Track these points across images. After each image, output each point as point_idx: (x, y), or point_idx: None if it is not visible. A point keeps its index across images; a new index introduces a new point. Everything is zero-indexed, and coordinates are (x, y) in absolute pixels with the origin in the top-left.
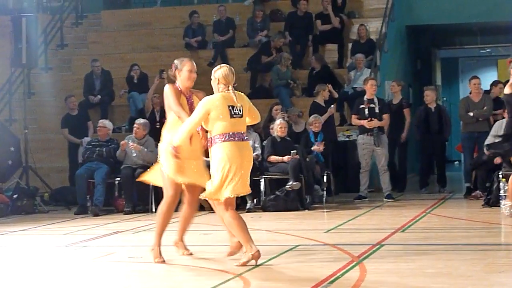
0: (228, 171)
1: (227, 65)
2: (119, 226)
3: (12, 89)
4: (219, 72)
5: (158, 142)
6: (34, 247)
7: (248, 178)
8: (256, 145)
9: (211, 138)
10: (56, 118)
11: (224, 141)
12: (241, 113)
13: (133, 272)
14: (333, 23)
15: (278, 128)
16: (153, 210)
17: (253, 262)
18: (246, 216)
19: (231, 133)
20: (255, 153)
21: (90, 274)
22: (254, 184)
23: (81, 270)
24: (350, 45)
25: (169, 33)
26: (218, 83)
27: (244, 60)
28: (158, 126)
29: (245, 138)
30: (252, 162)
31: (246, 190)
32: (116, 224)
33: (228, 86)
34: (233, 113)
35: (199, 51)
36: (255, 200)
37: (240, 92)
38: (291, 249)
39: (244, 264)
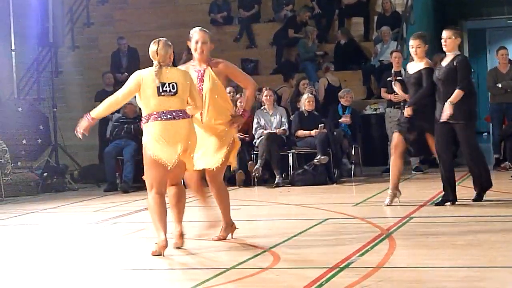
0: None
1: (162, 40)
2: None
3: (40, 68)
4: (150, 48)
5: None
6: (64, 224)
7: (189, 158)
8: (283, 120)
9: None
10: (83, 96)
11: (153, 120)
12: (174, 90)
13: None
14: None
15: (305, 102)
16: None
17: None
18: (274, 191)
19: (160, 112)
20: (282, 128)
21: (120, 251)
22: (282, 159)
23: (112, 247)
24: (375, 18)
25: (194, 9)
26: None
27: (269, 35)
28: None
29: (181, 116)
30: (196, 141)
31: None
32: (146, 200)
33: (159, 62)
34: (161, 91)
35: (225, 27)
36: (283, 175)
37: (184, 70)
38: (320, 223)
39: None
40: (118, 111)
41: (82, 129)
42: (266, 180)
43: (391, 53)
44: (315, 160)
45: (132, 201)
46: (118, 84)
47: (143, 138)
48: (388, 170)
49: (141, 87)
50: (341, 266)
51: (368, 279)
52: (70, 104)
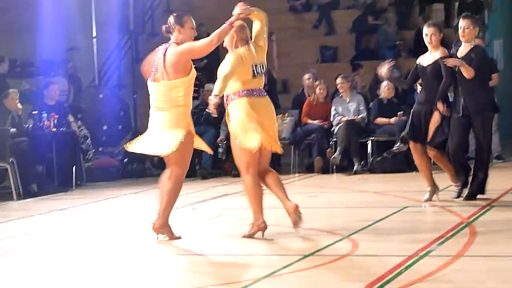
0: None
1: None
2: (227, 189)
3: (120, 55)
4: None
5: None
6: (144, 209)
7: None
8: (361, 108)
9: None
10: None
11: (246, 96)
12: (264, 70)
13: (241, 233)
14: None
15: (385, 89)
16: None
17: (259, 233)
18: (353, 178)
19: (253, 89)
20: (360, 116)
21: (200, 236)
22: (361, 146)
23: (191, 232)
24: (456, 4)
25: None
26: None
27: (349, 22)
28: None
29: (265, 94)
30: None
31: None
32: (224, 187)
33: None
34: (256, 72)
35: (304, 14)
36: (362, 162)
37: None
38: (399, 211)
39: (250, 236)
40: (197, 98)
41: (215, 107)
42: (344, 168)
43: None
44: (394, 148)
45: (210, 187)
46: (197, 70)
47: (232, 121)
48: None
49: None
50: (420, 254)
51: (447, 268)
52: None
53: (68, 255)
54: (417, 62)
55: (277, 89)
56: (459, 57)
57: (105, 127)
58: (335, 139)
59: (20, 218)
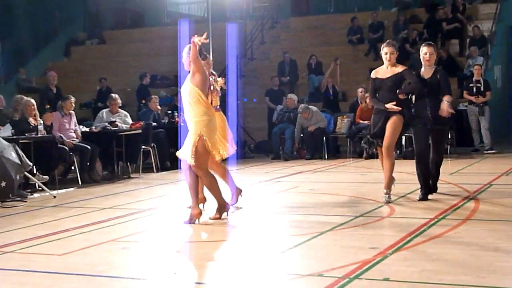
0: None
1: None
2: (301, 168)
3: (229, 73)
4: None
5: (332, 110)
6: (243, 182)
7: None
8: None
9: None
10: (258, 92)
11: None
12: None
13: (313, 200)
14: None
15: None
16: (325, 157)
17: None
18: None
19: None
20: None
21: (279, 201)
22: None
23: (273, 199)
24: (468, 40)
25: (337, 32)
26: None
27: None
28: (331, 98)
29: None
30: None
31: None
32: (300, 166)
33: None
34: None
35: (358, 45)
36: (397, 152)
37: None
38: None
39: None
40: (281, 103)
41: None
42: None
43: (474, 65)
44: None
45: (290, 166)
46: (282, 85)
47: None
48: (475, 151)
49: None
50: (439, 217)
51: (458, 228)
52: (249, 98)
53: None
54: (374, 77)
55: (338, 98)
56: (425, 78)
57: None
58: None
59: (158, 185)
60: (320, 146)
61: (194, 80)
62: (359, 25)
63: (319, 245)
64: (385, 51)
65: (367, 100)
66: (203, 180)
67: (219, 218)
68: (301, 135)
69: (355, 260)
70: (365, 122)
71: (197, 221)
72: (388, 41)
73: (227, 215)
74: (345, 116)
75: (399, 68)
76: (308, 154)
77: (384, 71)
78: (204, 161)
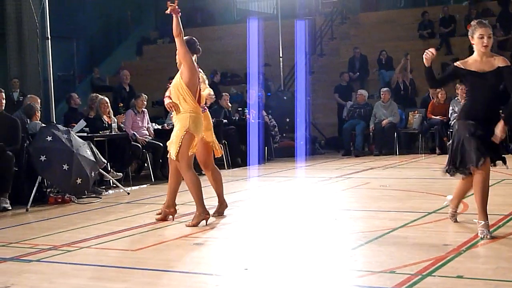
0: None
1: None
2: (372, 164)
3: (299, 69)
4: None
5: (403, 105)
6: (313, 178)
7: None
8: None
9: None
10: (328, 88)
11: None
12: None
13: (384, 196)
14: None
15: None
16: (397, 153)
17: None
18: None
19: None
20: None
21: (349, 198)
22: None
23: (344, 195)
24: None
25: (408, 27)
26: None
27: (462, 46)
28: (402, 93)
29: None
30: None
31: None
32: (371, 162)
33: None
34: None
35: (429, 40)
36: None
37: None
38: (497, 183)
39: (194, 225)
40: (350, 99)
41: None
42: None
43: None
44: None
45: (360, 162)
46: (351, 80)
47: None
48: None
49: None
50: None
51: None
52: (318, 94)
53: (269, 204)
54: (461, 67)
55: (409, 94)
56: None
57: (287, 119)
58: (451, 130)
59: (229, 181)
60: (391, 142)
61: (183, 76)
62: (430, 19)
63: (390, 241)
64: (480, 32)
65: (439, 95)
66: (184, 176)
67: (196, 225)
68: (374, 130)
69: (427, 257)
70: (437, 117)
71: (170, 217)
72: (479, 20)
73: (206, 223)
74: (416, 112)
75: (500, 61)
76: (377, 149)
77: (478, 63)
78: (188, 156)
